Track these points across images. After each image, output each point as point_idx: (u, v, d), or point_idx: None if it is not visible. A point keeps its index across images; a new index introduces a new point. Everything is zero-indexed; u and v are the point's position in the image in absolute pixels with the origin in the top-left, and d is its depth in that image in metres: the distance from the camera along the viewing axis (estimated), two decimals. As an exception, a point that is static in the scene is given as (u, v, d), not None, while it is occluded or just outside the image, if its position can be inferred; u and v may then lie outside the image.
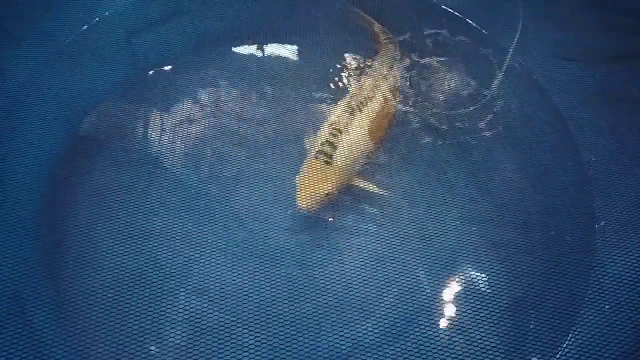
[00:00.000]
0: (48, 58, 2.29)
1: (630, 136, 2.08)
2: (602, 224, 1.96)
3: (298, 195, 1.87)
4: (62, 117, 2.14)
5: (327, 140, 1.99)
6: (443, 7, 2.57)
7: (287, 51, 2.47)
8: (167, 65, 2.40)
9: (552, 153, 2.18)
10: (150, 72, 2.38)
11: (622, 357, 1.64)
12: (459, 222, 1.96)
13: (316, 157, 1.96)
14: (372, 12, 2.55)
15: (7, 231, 1.84)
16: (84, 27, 2.43)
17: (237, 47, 2.47)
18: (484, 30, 2.49)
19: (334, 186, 1.91)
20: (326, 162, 1.95)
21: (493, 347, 1.69)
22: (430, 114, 2.22)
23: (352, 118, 2.07)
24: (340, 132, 2.02)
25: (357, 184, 1.99)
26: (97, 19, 2.47)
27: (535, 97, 2.31)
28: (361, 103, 2.12)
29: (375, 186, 1.99)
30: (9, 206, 1.90)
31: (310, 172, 1.92)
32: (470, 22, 2.53)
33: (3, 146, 2.04)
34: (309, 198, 1.86)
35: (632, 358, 1.63)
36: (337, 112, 2.11)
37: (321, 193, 1.88)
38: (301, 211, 1.86)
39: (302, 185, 1.89)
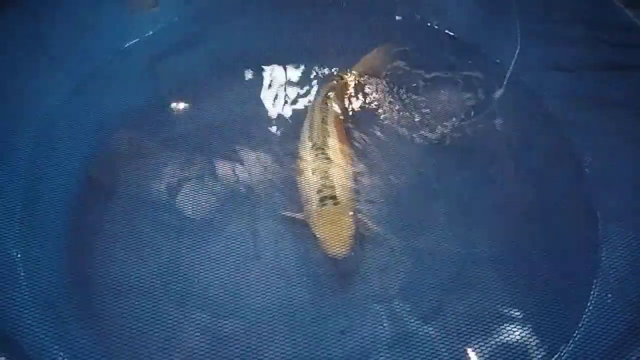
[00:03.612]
0: (83, 80, 2.40)
1: (623, 138, 2.17)
2: (602, 221, 2.05)
3: (327, 248, 1.78)
4: (91, 139, 2.24)
5: (321, 184, 1.91)
6: (446, 31, 2.66)
7: (310, 78, 2.48)
8: (188, 91, 2.45)
9: (551, 156, 2.26)
10: (173, 98, 2.43)
11: (625, 354, 1.66)
12: (464, 227, 2.04)
13: (323, 204, 1.86)
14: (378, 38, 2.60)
15: (42, 244, 1.96)
16: (114, 53, 2.54)
17: (260, 73, 2.49)
18: (484, 50, 2.58)
19: (353, 224, 1.85)
20: (334, 204, 1.86)
21: (497, 343, 1.75)
22: (430, 126, 2.28)
23: (326, 154, 2.02)
24: (326, 173, 1.94)
25: (360, 218, 1.93)
26: (126, 45, 2.58)
27: (533, 107, 2.40)
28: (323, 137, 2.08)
29: (370, 215, 1.97)
30: (42, 224, 2.00)
31: (327, 220, 1.83)
32: (469, 42, 2.62)
33: (39, 165, 2.14)
34: (339, 245, 1.78)
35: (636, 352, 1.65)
36: (312, 153, 2.03)
37: (346, 236, 1.80)
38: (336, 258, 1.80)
39: (327, 236, 1.79)
